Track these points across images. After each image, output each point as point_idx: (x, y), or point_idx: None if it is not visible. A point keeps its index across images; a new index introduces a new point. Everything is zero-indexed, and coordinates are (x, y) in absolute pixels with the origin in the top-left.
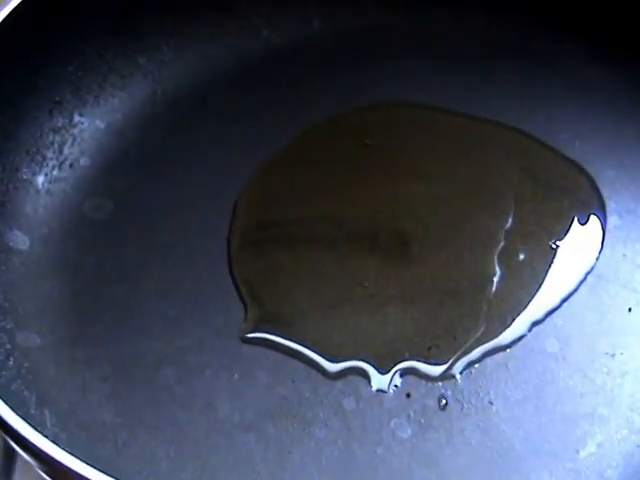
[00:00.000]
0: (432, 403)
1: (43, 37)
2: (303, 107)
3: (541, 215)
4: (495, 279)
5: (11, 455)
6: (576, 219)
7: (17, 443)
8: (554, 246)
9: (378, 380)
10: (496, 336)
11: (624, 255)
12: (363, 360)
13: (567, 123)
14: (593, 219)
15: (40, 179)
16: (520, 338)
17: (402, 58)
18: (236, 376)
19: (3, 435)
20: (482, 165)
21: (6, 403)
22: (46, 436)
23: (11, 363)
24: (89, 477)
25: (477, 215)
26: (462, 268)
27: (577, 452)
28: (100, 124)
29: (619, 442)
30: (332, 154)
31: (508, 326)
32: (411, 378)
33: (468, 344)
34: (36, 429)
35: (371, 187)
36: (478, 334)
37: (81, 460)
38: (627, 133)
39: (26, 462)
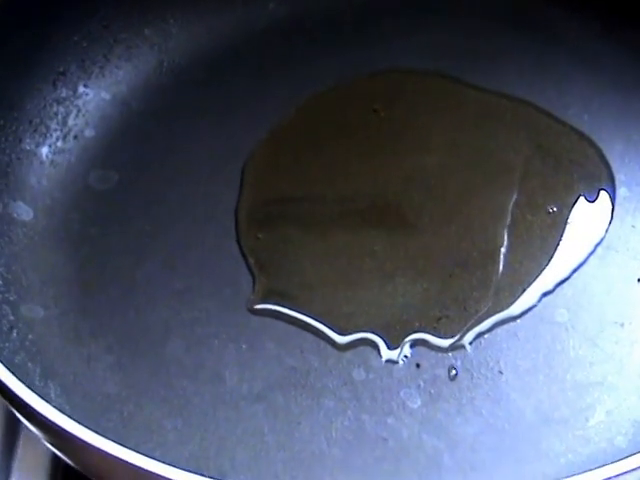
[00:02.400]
0: (442, 373)
1: (47, 7)
2: (309, 77)
3: (550, 187)
4: (504, 250)
5: (15, 430)
6: (585, 191)
7: (22, 413)
8: (564, 218)
9: (388, 351)
10: (506, 307)
11: (633, 226)
12: (373, 331)
13: (576, 96)
14: (602, 191)
15: (44, 150)
16: (530, 308)
17: (409, 28)
18: (244, 347)
19: (8, 405)
20: (491, 137)
21: (11, 372)
22: None
23: (15, 335)
24: (96, 445)
25: (486, 187)
26: (471, 239)
27: (587, 420)
28: (105, 95)
29: (628, 409)
30: (339, 122)
31: (518, 297)
32: (421, 349)
33: (478, 315)
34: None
35: (379, 158)
36: (488, 305)
37: (88, 428)
38: (636, 107)
39: (30, 437)
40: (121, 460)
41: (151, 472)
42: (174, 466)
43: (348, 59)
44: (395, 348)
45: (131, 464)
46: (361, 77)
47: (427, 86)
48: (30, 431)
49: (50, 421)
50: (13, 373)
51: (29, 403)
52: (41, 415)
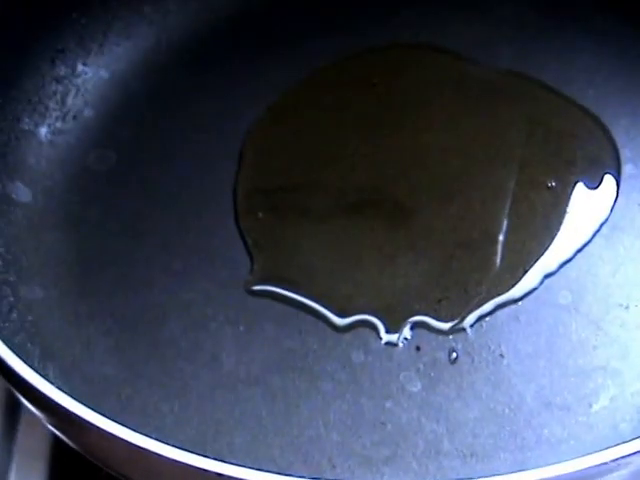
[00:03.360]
0: (442, 356)
1: None
2: (308, 53)
3: (554, 165)
4: (506, 230)
5: (15, 414)
6: (589, 169)
7: (22, 392)
8: (566, 196)
9: (387, 334)
10: (508, 289)
11: (639, 204)
12: (372, 313)
13: (580, 72)
14: (607, 169)
15: (43, 130)
16: (532, 291)
17: (409, 3)
18: (242, 329)
19: (9, 385)
20: (492, 114)
21: (12, 351)
22: None
23: (15, 316)
24: (96, 424)
25: (487, 166)
26: (472, 220)
27: (590, 406)
28: (104, 74)
29: (632, 395)
30: (339, 97)
31: (520, 278)
32: (421, 331)
33: (479, 297)
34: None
35: (379, 136)
36: (489, 287)
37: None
38: None
39: (31, 422)
40: (120, 439)
41: (151, 451)
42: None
43: (347, 35)
44: (395, 331)
45: (131, 443)
46: (360, 53)
47: (427, 62)
48: (31, 415)
49: (50, 399)
50: (14, 352)
51: (30, 381)
52: (41, 393)
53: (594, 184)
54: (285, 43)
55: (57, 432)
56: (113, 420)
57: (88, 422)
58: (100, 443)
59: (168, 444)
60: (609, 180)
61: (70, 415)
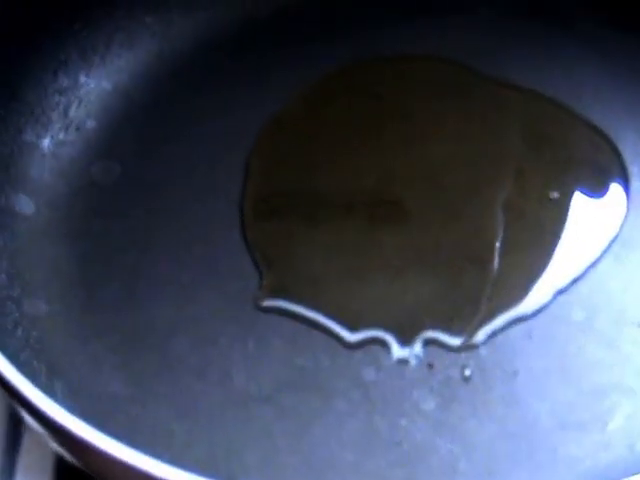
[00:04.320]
0: (455, 374)
1: None
2: (312, 63)
3: (561, 181)
4: (515, 245)
5: (19, 428)
6: (597, 185)
7: (28, 412)
8: (575, 212)
9: (399, 350)
10: (519, 304)
11: None
12: (383, 329)
13: (587, 86)
14: (615, 184)
15: (45, 142)
16: (544, 307)
17: (414, 14)
18: (251, 345)
19: (13, 404)
20: (498, 128)
21: (18, 370)
22: None
23: (19, 332)
24: (102, 448)
25: (495, 180)
26: (481, 234)
27: (605, 424)
28: (107, 85)
29: None
30: (344, 107)
31: (531, 294)
32: (433, 348)
33: (490, 312)
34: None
35: (385, 149)
36: (500, 302)
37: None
38: None
39: (34, 436)
40: (128, 464)
41: (158, 477)
42: (182, 469)
43: (352, 45)
44: (406, 346)
45: (139, 468)
46: (365, 63)
47: (433, 73)
48: (34, 430)
49: (56, 422)
50: (19, 371)
51: (35, 403)
52: (47, 416)
53: (602, 199)
54: (289, 53)
55: (62, 451)
56: (121, 440)
57: (95, 446)
58: (106, 466)
59: (178, 465)
60: (617, 196)
61: (77, 438)
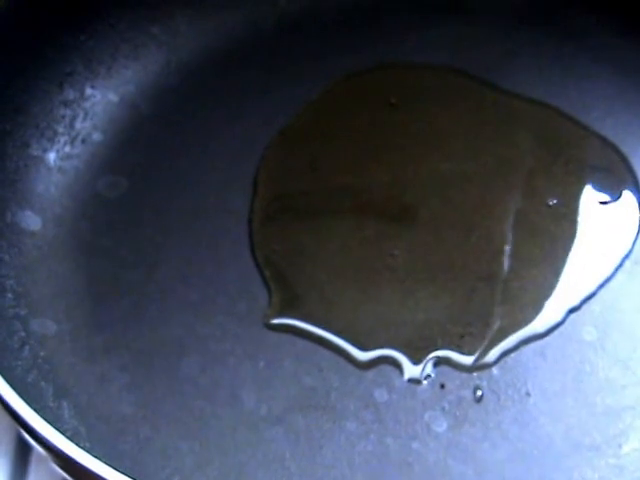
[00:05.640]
0: (467, 394)
1: (53, 5)
2: (320, 73)
3: (574, 196)
4: (528, 263)
5: (26, 451)
6: (610, 199)
7: (33, 438)
8: (588, 228)
9: (410, 370)
10: (530, 323)
11: None
12: (394, 348)
13: (599, 100)
14: (628, 199)
15: (51, 156)
16: (556, 326)
17: (424, 24)
18: (261, 365)
19: (19, 429)
20: (511, 142)
21: (22, 397)
22: (65, 430)
23: (27, 352)
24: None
25: (507, 195)
26: (493, 252)
27: (620, 447)
28: (113, 97)
29: None
30: (353, 119)
31: (543, 313)
32: (445, 368)
33: (502, 331)
34: (54, 423)
35: (395, 162)
36: (512, 321)
37: (98, 458)
38: None
39: (42, 458)
40: None
41: None
42: None
43: (360, 54)
44: (417, 365)
45: None
46: (374, 72)
47: (445, 83)
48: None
49: (62, 452)
50: (25, 398)
51: (41, 433)
52: (52, 445)
53: (615, 216)
54: (297, 64)
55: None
56: (127, 473)
57: (100, 476)
58: None
59: None
60: (630, 212)
61: (83, 468)
